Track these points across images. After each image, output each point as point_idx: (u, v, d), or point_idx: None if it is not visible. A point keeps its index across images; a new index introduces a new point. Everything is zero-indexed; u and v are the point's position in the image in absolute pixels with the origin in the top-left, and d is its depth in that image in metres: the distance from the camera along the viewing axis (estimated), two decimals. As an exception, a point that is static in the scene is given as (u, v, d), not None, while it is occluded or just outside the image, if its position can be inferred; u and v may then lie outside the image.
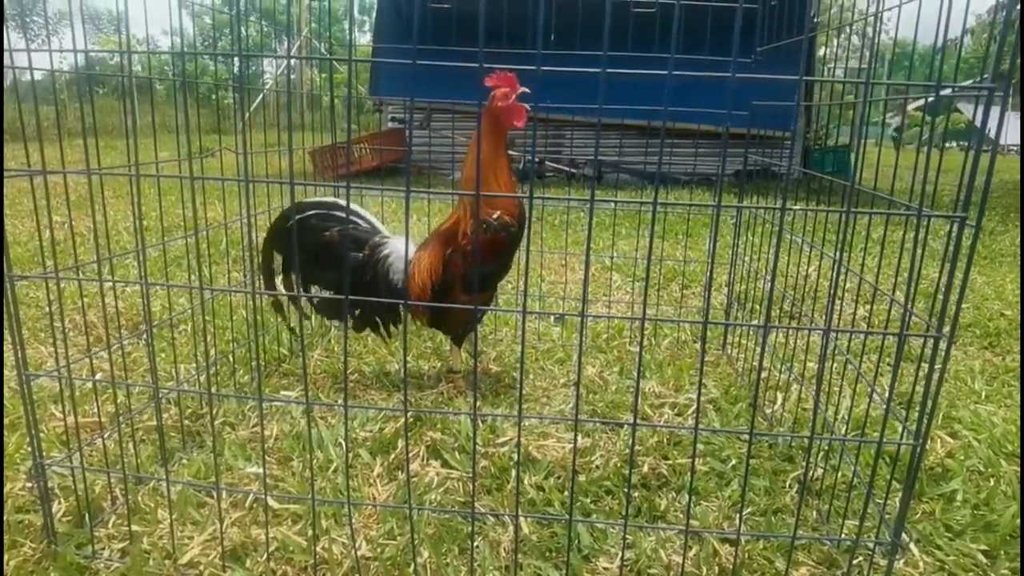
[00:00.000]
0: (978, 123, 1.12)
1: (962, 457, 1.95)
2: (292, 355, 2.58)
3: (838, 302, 2.75)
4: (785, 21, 2.33)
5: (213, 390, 2.18)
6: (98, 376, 1.66)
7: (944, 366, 1.20)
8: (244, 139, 1.34)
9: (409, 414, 2.07)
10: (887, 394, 1.28)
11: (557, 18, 2.12)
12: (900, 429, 1.53)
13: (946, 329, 1.19)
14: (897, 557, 1.50)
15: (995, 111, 1.09)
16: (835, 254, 1.31)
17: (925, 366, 1.24)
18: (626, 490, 1.57)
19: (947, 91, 1.30)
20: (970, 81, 1.12)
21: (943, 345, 1.20)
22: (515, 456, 1.87)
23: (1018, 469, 1.90)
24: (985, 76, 1.10)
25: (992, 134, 1.09)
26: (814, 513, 1.71)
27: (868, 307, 1.61)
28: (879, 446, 1.30)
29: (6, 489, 1.65)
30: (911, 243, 1.29)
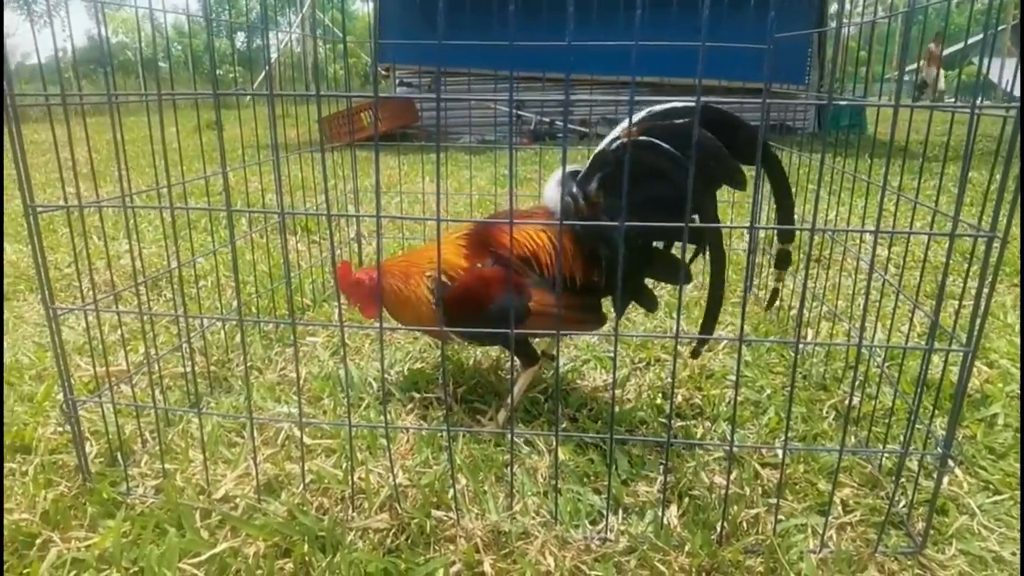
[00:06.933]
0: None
1: (1001, 384, 1.91)
2: (315, 304, 2.56)
3: (868, 243, 2.69)
4: None
5: (236, 338, 2.17)
6: (123, 309, 1.64)
7: (997, 269, 1.15)
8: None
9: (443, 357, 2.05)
10: (935, 303, 1.24)
11: None
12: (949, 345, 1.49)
13: (1000, 230, 1.15)
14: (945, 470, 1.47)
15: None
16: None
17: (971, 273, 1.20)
18: (669, 398, 1.54)
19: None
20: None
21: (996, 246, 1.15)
22: (551, 389, 1.85)
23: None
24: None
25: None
26: (852, 439, 1.68)
27: (910, 215, 1.58)
28: (926, 355, 1.26)
29: (37, 434, 1.64)
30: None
